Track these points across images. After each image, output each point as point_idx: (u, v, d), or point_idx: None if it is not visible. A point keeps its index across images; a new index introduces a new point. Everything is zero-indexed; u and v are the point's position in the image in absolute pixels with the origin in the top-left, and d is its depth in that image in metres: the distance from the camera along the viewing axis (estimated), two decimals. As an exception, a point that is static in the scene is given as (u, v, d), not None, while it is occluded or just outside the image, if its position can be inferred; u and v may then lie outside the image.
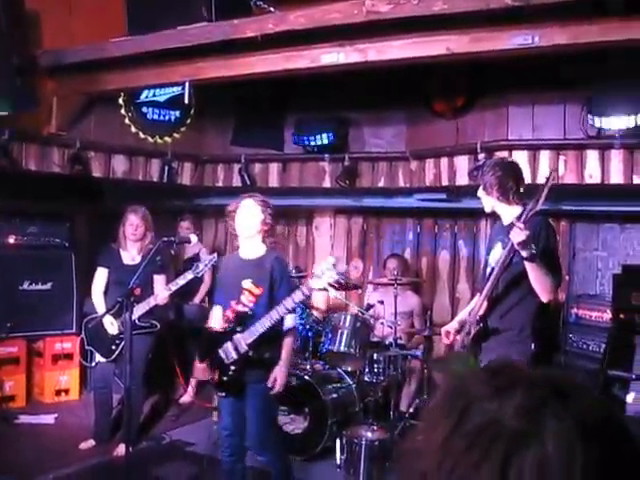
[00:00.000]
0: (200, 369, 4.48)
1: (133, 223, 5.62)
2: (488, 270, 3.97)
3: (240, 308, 4.20)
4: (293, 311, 4.28)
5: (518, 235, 3.42)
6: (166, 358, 6.40)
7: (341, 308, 7.23)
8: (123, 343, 5.07)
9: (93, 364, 5.74)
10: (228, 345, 4.21)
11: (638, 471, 0.72)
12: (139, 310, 5.21)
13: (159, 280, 5.60)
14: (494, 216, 4.19)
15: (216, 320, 4.51)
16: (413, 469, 0.79)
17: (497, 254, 3.90)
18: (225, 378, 4.24)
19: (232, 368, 4.20)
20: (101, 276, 5.68)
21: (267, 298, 4.18)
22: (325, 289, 4.09)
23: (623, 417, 0.79)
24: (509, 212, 3.92)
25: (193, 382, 6.67)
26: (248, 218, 4.27)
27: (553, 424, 0.71)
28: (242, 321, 4.19)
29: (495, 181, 3.89)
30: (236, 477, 4.43)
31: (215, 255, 5.24)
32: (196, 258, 6.82)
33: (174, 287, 5.22)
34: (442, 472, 0.74)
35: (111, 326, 5.42)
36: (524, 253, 3.49)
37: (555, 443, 0.70)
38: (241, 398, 4.27)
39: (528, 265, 3.55)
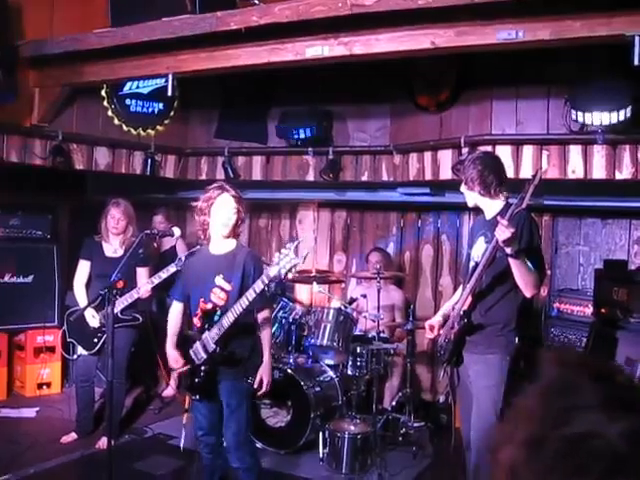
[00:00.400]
0: (172, 358, 4.30)
1: (115, 216, 5.60)
2: (471, 264, 3.97)
3: (209, 307, 4.10)
4: (260, 304, 4.15)
5: (503, 233, 3.41)
6: (149, 351, 6.36)
7: (324, 302, 7.25)
8: (105, 336, 5.05)
9: (75, 357, 5.72)
10: (197, 345, 4.11)
11: None
12: (121, 303, 5.19)
13: (142, 273, 5.58)
14: (477, 210, 4.19)
15: (176, 316, 4.43)
16: (502, 460, 0.76)
17: (480, 248, 3.91)
18: (197, 380, 4.13)
19: (202, 369, 4.09)
20: (83, 269, 5.65)
21: (238, 294, 4.00)
22: (285, 275, 4.00)
23: None
24: (491, 206, 3.93)
25: (175, 375, 6.64)
26: (229, 217, 4.12)
27: None
28: (209, 318, 4.08)
29: (476, 175, 3.89)
30: (217, 472, 4.43)
31: (198, 247, 5.22)
32: (173, 251, 6.80)
33: (156, 280, 5.19)
34: (532, 470, 0.71)
35: (92, 319, 5.40)
36: (508, 250, 3.49)
37: None
38: (215, 398, 4.17)
39: (512, 261, 3.56)
